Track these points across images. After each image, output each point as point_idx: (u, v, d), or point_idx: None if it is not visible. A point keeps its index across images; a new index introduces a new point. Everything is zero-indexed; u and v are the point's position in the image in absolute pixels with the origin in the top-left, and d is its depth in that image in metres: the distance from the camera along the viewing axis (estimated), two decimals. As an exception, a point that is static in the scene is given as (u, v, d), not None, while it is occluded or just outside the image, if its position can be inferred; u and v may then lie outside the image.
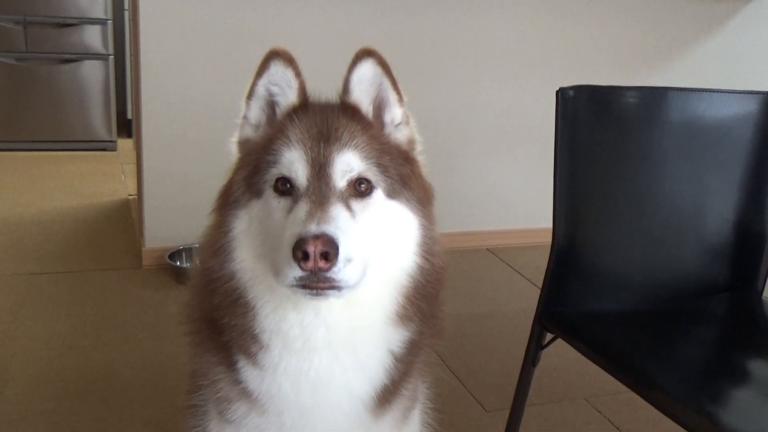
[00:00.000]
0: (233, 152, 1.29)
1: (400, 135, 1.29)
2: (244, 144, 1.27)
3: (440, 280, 1.27)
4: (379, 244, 1.17)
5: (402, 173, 1.23)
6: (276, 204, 1.15)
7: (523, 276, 4.03)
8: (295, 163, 1.15)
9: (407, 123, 1.31)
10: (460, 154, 4.32)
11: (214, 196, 1.27)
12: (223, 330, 1.22)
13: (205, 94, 3.69)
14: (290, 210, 1.12)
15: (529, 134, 4.39)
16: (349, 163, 1.16)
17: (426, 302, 1.25)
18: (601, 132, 2.05)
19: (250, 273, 1.19)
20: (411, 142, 1.31)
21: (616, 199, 2.08)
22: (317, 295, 1.06)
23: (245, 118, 1.27)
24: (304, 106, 1.25)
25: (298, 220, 1.07)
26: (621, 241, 2.07)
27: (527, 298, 3.64)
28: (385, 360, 1.22)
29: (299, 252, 1.02)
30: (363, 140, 1.19)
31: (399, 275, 1.22)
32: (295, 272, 1.04)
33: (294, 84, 1.25)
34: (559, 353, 2.18)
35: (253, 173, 1.20)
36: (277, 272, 1.07)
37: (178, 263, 3.73)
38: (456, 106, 4.23)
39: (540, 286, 2.10)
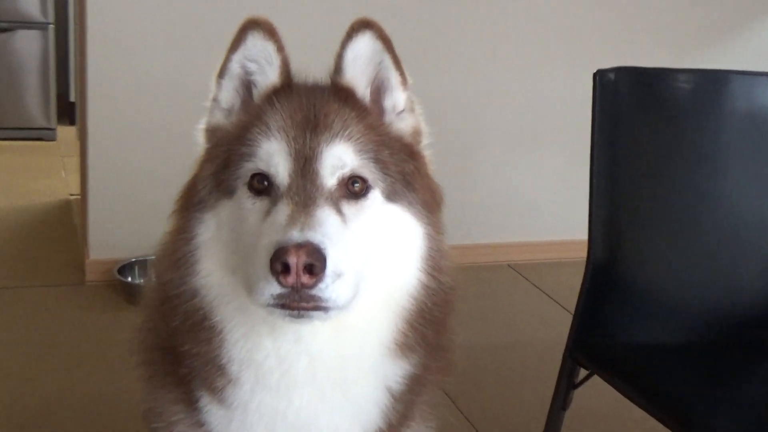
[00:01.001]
0: (200, 142, 1.29)
1: (403, 124, 1.29)
2: (213, 132, 1.26)
3: (449, 302, 1.27)
4: (375, 256, 1.17)
5: (404, 171, 1.23)
6: (250, 205, 1.16)
7: (551, 298, 4.02)
8: (274, 155, 1.16)
9: (412, 110, 1.31)
10: (474, 150, 4.32)
11: (176, 196, 1.27)
12: (183, 360, 1.21)
13: (165, 73, 3.69)
14: (268, 213, 1.13)
15: (558, 127, 4.38)
16: (340, 158, 1.17)
17: (431, 329, 1.25)
18: (647, 124, 2.05)
19: (217, 289, 1.19)
20: (416, 133, 1.31)
21: (665, 206, 2.07)
22: (299, 317, 1.07)
23: (215, 100, 1.27)
24: (288, 87, 1.25)
25: (278, 225, 1.08)
26: (671, 258, 2.07)
27: (556, 326, 3.61)
28: (380, 399, 1.23)
29: (278, 264, 1.02)
30: (358, 130, 1.20)
31: (399, 295, 1.22)
32: (273, 288, 1.04)
33: (275, 60, 1.25)
34: (595, 394, 2.16)
35: (223, 168, 1.20)
36: (250, 288, 1.08)
37: (130, 279, 3.71)
38: (470, 94, 4.23)
39: (572, 310, 2.07)
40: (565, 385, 2.05)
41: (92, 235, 3.80)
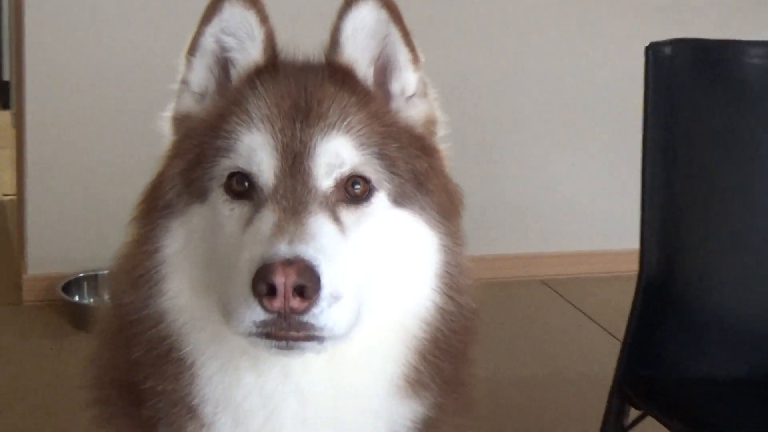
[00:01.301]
0: (165, 133, 1.29)
1: (413, 112, 1.30)
2: (182, 121, 1.27)
3: (469, 328, 1.27)
4: (380, 274, 1.18)
5: (415, 169, 1.23)
6: (228, 211, 1.16)
7: (594, 321, 4.01)
8: (257, 151, 1.16)
9: (424, 94, 1.31)
10: (502, 143, 4.33)
11: (136, 199, 1.27)
12: (146, 399, 1.21)
13: (126, 44, 3.70)
14: (249, 221, 1.13)
15: (603, 114, 4.39)
16: (337, 153, 1.17)
17: (449, 362, 1.25)
18: (712, 108, 2.05)
19: (188, 313, 1.19)
20: (429, 122, 1.31)
21: (734, 209, 2.08)
22: (287, 348, 1.07)
23: (185, 82, 1.28)
24: (273, 67, 1.26)
25: (261, 236, 1.08)
26: (743, 273, 2.07)
27: (601, 356, 3.57)
28: None
29: (262, 285, 1.02)
30: (359, 119, 1.20)
31: (409, 321, 1.22)
32: (256, 314, 1.04)
33: (258, 34, 1.25)
34: (649, 439, 2.17)
35: (194, 165, 1.20)
36: (227, 313, 1.09)
37: (77, 298, 3.71)
38: (497, 74, 4.24)
39: (620, 337, 2.06)
40: (613, 427, 2.05)
41: (31, 244, 3.81)
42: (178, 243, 1.20)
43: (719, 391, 1.95)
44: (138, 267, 1.21)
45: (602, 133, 4.42)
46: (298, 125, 1.17)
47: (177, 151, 1.24)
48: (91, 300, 3.75)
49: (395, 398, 1.22)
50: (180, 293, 1.20)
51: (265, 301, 1.03)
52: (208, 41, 1.26)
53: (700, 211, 2.07)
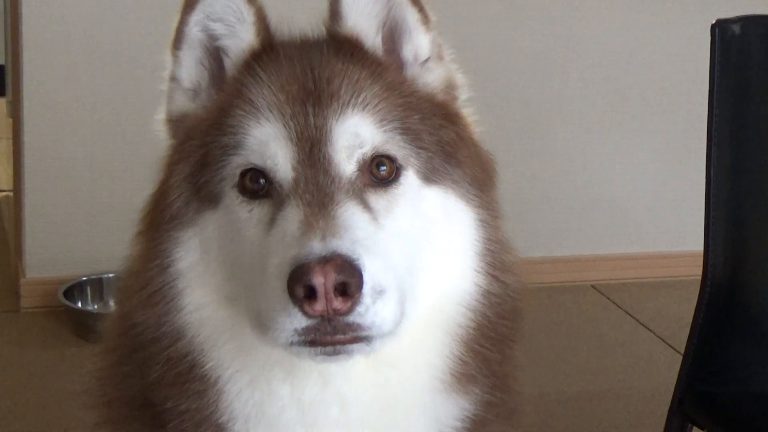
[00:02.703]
0: (162, 137, 1.30)
1: (431, 77, 1.30)
2: (178, 122, 1.27)
3: (517, 311, 1.28)
4: (418, 259, 1.19)
5: (443, 140, 1.24)
6: (245, 214, 1.17)
7: (650, 331, 4.00)
8: (270, 143, 1.17)
9: (440, 57, 1.31)
10: (546, 134, 4.32)
11: (140, 211, 1.28)
12: (167, 420, 1.22)
13: (126, 31, 3.73)
14: (272, 222, 1.14)
15: (660, 100, 4.37)
16: (357, 133, 1.18)
17: (497, 350, 1.26)
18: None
19: (211, 327, 1.20)
20: (450, 86, 1.32)
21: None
22: (334, 354, 1.08)
23: (174, 79, 1.28)
24: (270, 48, 1.26)
25: (289, 236, 1.09)
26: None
27: (659, 369, 3.58)
28: None
29: (300, 288, 1.03)
30: (374, 93, 1.22)
31: (452, 308, 1.23)
32: (297, 321, 1.05)
33: (248, 16, 1.25)
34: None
35: (200, 168, 1.20)
36: (262, 325, 1.10)
37: (80, 304, 3.73)
38: (540, 55, 4.23)
39: (680, 348, 2.07)
40: (673, 450, 2.04)
41: (29, 245, 3.84)
42: (193, 255, 1.21)
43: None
44: (150, 284, 1.22)
45: (660, 122, 4.40)
46: (309, 109, 1.18)
47: (179, 156, 1.24)
48: (95, 306, 3.78)
49: (442, 395, 1.24)
50: (200, 307, 1.21)
51: (306, 306, 1.04)
52: (194, 31, 1.26)
53: (772, 208, 2.06)
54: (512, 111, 4.09)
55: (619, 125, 4.40)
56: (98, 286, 3.79)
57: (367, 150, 1.17)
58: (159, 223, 1.23)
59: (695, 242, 2.04)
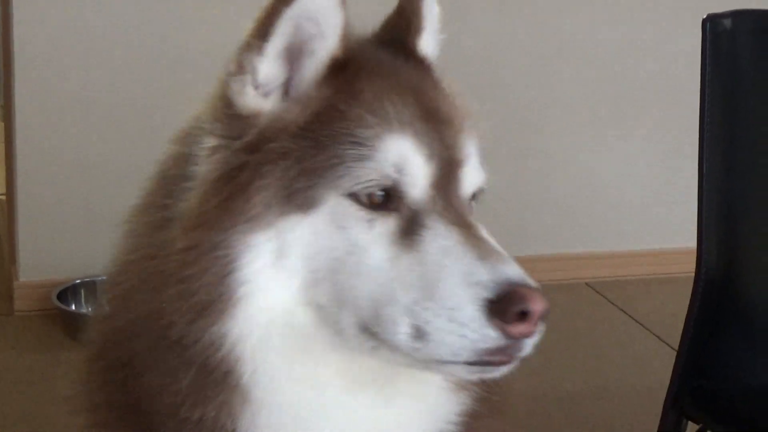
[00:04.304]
0: (207, 127, 1.25)
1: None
2: (245, 119, 1.23)
3: None
4: None
5: None
6: (362, 224, 1.18)
7: (645, 328, 4.00)
8: (409, 158, 1.19)
9: None
10: (538, 128, 4.33)
11: (191, 208, 1.22)
12: (163, 427, 1.22)
13: (120, 34, 3.72)
14: (403, 236, 1.17)
15: (655, 95, 4.38)
16: (477, 159, 1.25)
17: None
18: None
19: (269, 335, 1.19)
20: None
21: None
22: (486, 372, 1.16)
23: (249, 72, 1.23)
24: (359, 58, 1.26)
25: (463, 257, 1.14)
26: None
27: (654, 366, 3.58)
28: None
29: (514, 311, 1.09)
30: (464, 115, 1.27)
31: None
32: (490, 341, 1.10)
33: (338, 20, 1.23)
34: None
35: (297, 173, 1.18)
36: (413, 339, 1.13)
37: (74, 307, 3.73)
38: (534, 53, 4.24)
39: (674, 344, 2.07)
40: (669, 444, 2.04)
41: (23, 248, 3.83)
42: (264, 260, 1.19)
43: (787, 404, 1.96)
44: (202, 291, 1.18)
45: (653, 118, 4.41)
46: (437, 129, 1.21)
47: (265, 158, 1.21)
48: (89, 309, 3.77)
49: (447, 393, 1.28)
50: (258, 313, 1.19)
51: (509, 328, 1.10)
52: (286, 26, 1.21)
53: (765, 204, 2.07)
54: (508, 112, 4.09)
55: (611, 123, 4.41)
56: (92, 288, 3.78)
57: (480, 179, 1.25)
58: (226, 224, 1.19)
59: (689, 239, 2.05)
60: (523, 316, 1.09)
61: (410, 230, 1.17)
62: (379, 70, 1.26)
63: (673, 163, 4.29)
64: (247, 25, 1.24)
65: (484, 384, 1.29)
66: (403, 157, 1.18)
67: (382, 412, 1.25)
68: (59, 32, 3.72)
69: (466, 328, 1.10)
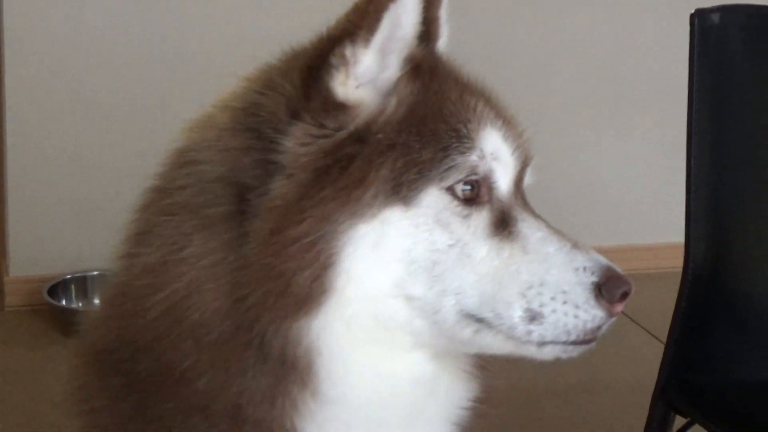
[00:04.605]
0: (284, 118, 1.20)
1: None
2: (350, 111, 1.23)
3: None
4: None
5: None
6: (459, 218, 1.22)
7: (635, 323, 4.02)
8: (503, 156, 1.26)
9: None
10: (533, 127, 4.27)
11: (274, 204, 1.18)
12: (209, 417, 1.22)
13: (111, 34, 3.71)
14: (497, 228, 1.24)
15: (642, 91, 4.39)
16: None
17: None
18: (766, 82, 2.05)
19: (363, 322, 1.21)
20: None
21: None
22: (576, 351, 1.26)
23: (353, 63, 1.22)
24: (427, 60, 1.30)
25: (559, 246, 1.25)
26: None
27: (643, 360, 3.56)
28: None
29: (617, 291, 1.21)
30: None
31: None
32: (597, 321, 1.22)
33: (417, 20, 1.25)
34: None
35: (405, 166, 1.20)
36: (527, 320, 1.21)
37: (64, 302, 3.74)
38: (529, 44, 4.25)
39: (663, 338, 2.08)
40: (656, 437, 2.05)
41: (13, 243, 3.83)
42: (362, 251, 1.20)
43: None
44: (302, 286, 1.17)
45: (643, 114, 4.42)
46: (510, 126, 1.29)
47: (375, 149, 1.21)
48: (80, 304, 3.77)
49: (462, 382, 1.34)
50: (346, 306, 1.20)
51: (615, 306, 1.22)
52: (389, 20, 1.22)
53: (752, 199, 2.08)
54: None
55: (607, 121, 4.43)
56: (83, 284, 3.79)
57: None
58: (328, 217, 1.18)
59: (679, 234, 2.05)
60: (624, 296, 1.21)
61: (503, 223, 1.24)
62: (449, 70, 1.31)
63: (667, 159, 4.29)
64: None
65: (486, 372, 1.35)
66: (498, 149, 1.25)
67: (427, 403, 1.30)
68: (50, 28, 3.71)
69: (580, 310, 1.21)
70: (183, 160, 1.26)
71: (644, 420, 2.09)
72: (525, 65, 4.25)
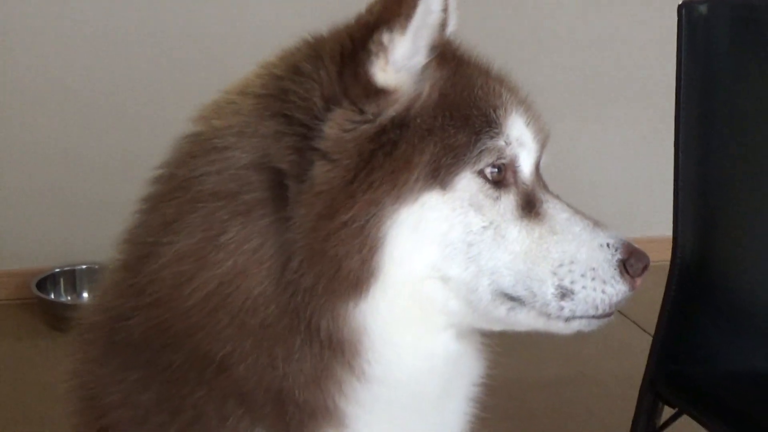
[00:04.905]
0: (320, 104, 1.20)
1: None
2: (389, 96, 1.24)
3: None
4: None
5: None
6: (490, 201, 1.26)
7: (623, 315, 4.01)
8: (528, 141, 1.31)
9: None
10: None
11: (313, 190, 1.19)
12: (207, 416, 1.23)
13: (98, 21, 3.70)
14: (525, 210, 1.28)
15: (630, 83, 4.40)
16: None
17: None
18: (753, 74, 2.04)
19: (404, 303, 1.23)
20: None
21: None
22: (597, 324, 1.31)
23: (390, 51, 1.23)
24: (449, 47, 1.33)
25: (583, 225, 1.30)
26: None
27: (632, 353, 3.55)
28: (465, 411, 1.40)
29: (640, 265, 1.28)
30: None
31: None
32: (620, 294, 1.28)
33: (441, 8, 1.28)
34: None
35: (443, 150, 1.22)
36: (558, 297, 1.26)
37: (53, 296, 3.74)
38: (511, 34, 4.24)
39: (651, 330, 2.08)
40: (644, 428, 2.06)
41: (1, 238, 3.82)
42: (405, 234, 1.22)
43: (761, 386, 1.96)
44: (353, 269, 1.19)
45: (629, 107, 4.44)
46: (531, 111, 1.33)
47: (416, 134, 1.23)
48: (68, 298, 3.77)
49: (478, 356, 1.40)
50: (390, 288, 1.21)
51: (637, 280, 1.28)
52: (423, 8, 1.24)
53: (740, 191, 2.08)
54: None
55: (588, 111, 4.43)
56: (71, 277, 3.79)
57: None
58: (376, 201, 1.20)
59: (667, 227, 2.05)
60: (644, 270, 1.27)
61: (529, 204, 1.29)
62: (470, 56, 1.35)
63: (652, 152, 4.31)
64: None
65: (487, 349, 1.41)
66: (523, 134, 1.29)
67: (455, 380, 1.35)
68: (35, 20, 3.70)
69: (607, 285, 1.27)
70: (206, 148, 1.25)
71: (633, 411, 2.09)
72: (509, 57, 4.22)
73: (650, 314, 2.12)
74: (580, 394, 3.42)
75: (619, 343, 3.77)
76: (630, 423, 2.10)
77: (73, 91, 3.78)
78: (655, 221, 4.08)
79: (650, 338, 2.11)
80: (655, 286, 2.11)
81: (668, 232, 2.04)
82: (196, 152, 1.26)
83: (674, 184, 2.00)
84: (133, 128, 3.60)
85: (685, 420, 1.99)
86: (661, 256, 2.14)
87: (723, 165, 2.05)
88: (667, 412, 2.05)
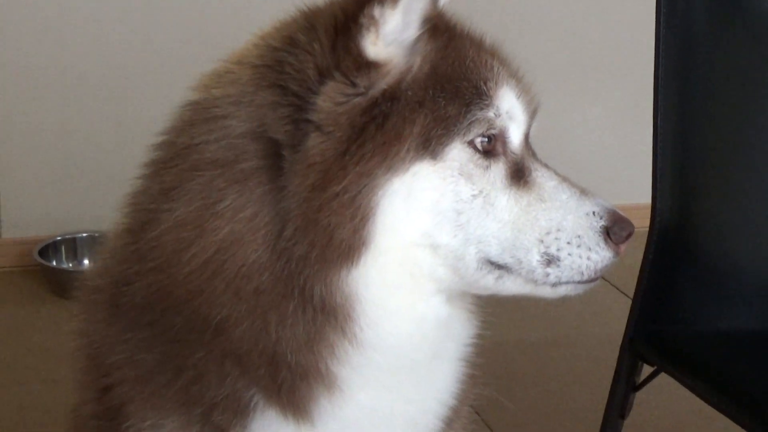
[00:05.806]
0: (313, 76, 1.20)
1: None
2: (380, 69, 1.23)
3: None
4: None
5: None
6: (480, 170, 1.26)
7: (604, 279, 3.99)
8: (517, 112, 1.30)
9: None
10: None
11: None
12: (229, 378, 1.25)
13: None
14: (514, 177, 1.28)
15: (612, 56, 4.39)
16: None
17: None
18: (731, 52, 2.04)
19: (395, 270, 1.24)
20: None
21: (753, 157, 2.09)
22: (582, 288, 1.33)
23: (382, 24, 1.22)
24: (442, 20, 1.32)
25: (571, 193, 1.30)
26: (763, 222, 2.08)
27: (612, 316, 3.55)
28: (455, 372, 1.40)
29: (624, 232, 1.28)
30: None
31: None
32: (605, 260, 1.29)
33: None
34: (663, 397, 2.26)
35: (434, 122, 1.22)
36: (545, 263, 1.27)
37: (55, 263, 3.74)
38: (489, 9, 4.22)
39: (630, 293, 2.10)
40: (624, 386, 2.08)
41: (4, 206, 3.81)
42: (397, 203, 1.22)
43: (737, 345, 1.98)
44: (344, 238, 1.20)
45: (608, 76, 4.42)
46: (521, 83, 1.33)
47: (407, 106, 1.23)
48: (70, 265, 3.78)
49: (469, 319, 1.40)
50: (381, 255, 1.22)
51: (621, 247, 1.29)
52: None
53: (717, 157, 2.08)
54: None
55: (570, 83, 4.41)
56: (72, 245, 3.79)
57: None
58: (367, 171, 1.20)
59: (646, 195, 2.08)
60: (628, 237, 1.28)
61: (519, 173, 1.28)
62: (462, 28, 1.34)
63: (631, 121, 4.30)
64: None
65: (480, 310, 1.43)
66: (513, 106, 1.29)
67: (445, 342, 1.35)
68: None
69: (592, 252, 1.27)
70: (205, 116, 1.26)
71: (612, 370, 2.11)
72: (491, 30, 4.23)
73: (631, 279, 2.14)
74: (561, 355, 3.45)
75: (600, 306, 3.77)
76: (611, 381, 2.12)
77: (72, 61, 3.77)
78: (637, 189, 4.08)
79: (629, 301, 2.12)
80: (636, 251, 2.12)
81: (647, 200, 2.06)
82: (195, 120, 1.27)
83: (653, 149, 2.01)
84: (132, 97, 3.59)
85: (663, 378, 2.01)
86: (643, 223, 2.15)
87: (701, 132, 2.06)
88: (646, 370, 2.07)
